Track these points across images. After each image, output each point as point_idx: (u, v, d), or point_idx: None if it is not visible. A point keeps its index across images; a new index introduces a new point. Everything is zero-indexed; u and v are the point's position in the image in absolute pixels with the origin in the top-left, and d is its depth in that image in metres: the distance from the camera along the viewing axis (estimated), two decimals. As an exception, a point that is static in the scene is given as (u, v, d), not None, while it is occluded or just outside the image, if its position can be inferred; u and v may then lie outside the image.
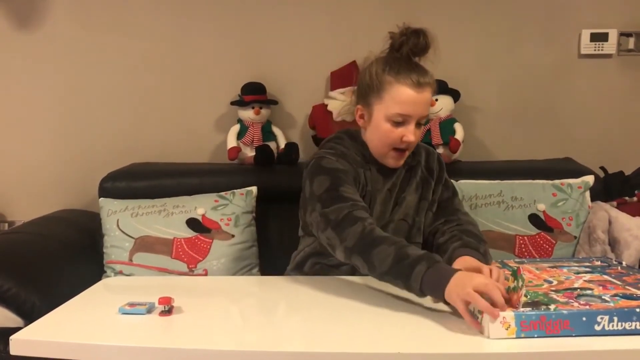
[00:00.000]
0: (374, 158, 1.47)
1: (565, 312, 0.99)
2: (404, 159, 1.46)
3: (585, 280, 1.18)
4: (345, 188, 1.34)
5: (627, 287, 1.13)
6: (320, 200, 1.34)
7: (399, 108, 1.37)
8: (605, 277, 1.20)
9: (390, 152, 1.43)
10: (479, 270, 1.17)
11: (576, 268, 1.28)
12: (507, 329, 0.99)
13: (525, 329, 0.99)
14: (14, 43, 2.30)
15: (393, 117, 1.38)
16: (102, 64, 2.31)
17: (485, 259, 1.32)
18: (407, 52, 1.40)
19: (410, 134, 1.38)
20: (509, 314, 0.99)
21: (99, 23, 2.29)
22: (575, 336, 0.99)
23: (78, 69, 2.31)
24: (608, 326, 0.99)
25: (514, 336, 0.99)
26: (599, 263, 1.33)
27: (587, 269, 1.27)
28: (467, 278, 1.09)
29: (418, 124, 1.41)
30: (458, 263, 1.27)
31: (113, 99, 2.32)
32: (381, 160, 1.46)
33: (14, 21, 2.29)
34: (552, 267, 1.30)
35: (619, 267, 1.28)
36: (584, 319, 0.99)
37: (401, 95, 1.36)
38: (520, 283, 1.03)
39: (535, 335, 0.99)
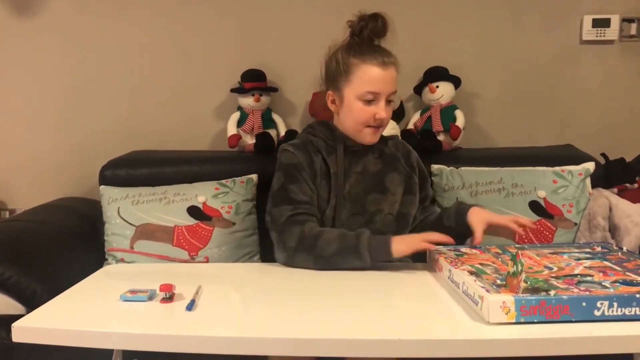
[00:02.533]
0: (342, 141, 1.53)
1: (565, 297, 0.99)
2: (378, 136, 1.54)
3: (585, 267, 1.18)
4: (293, 187, 1.45)
5: (627, 273, 1.13)
6: (272, 198, 1.48)
7: (368, 87, 1.45)
8: (606, 263, 1.20)
9: (365, 129, 1.50)
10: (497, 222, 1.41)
11: (577, 254, 1.28)
12: (507, 314, 0.99)
13: (525, 314, 0.99)
14: (13, 31, 2.29)
15: (363, 95, 1.46)
16: (102, 51, 2.30)
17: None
18: (368, 35, 1.50)
19: (381, 111, 1.46)
20: (509, 299, 1.00)
21: (98, 10, 2.28)
22: (575, 321, 0.99)
23: (77, 57, 2.30)
24: (608, 312, 0.99)
25: (514, 321, 0.99)
26: (599, 249, 1.33)
27: (588, 255, 1.27)
28: (404, 235, 1.40)
29: (388, 101, 1.48)
30: (474, 214, 1.43)
31: (113, 86, 2.32)
32: (358, 139, 1.53)
33: (13, 9, 2.28)
34: (553, 253, 1.30)
35: (619, 253, 1.29)
36: (584, 304, 0.99)
37: (369, 74, 1.45)
38: (520, 268, 1.04)
39: (535, 320, 0.99)
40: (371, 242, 1.33)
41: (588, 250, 1.32)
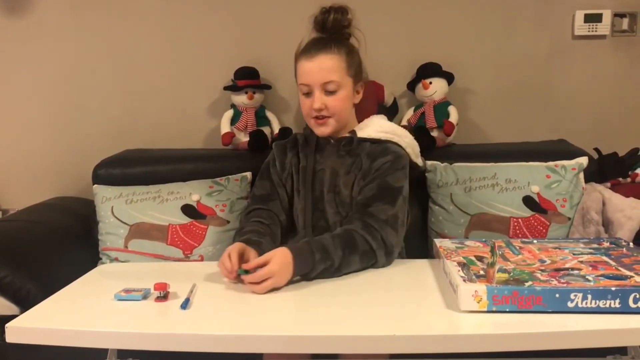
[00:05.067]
0: (316, 138, 1.58)
1: (538, 288, 1.01)
2: (327, 127, 1.53)
3: (579, 261, 1.18)
4: (257, 183, 1.62)
5: (619, 267, 1.13)
6: None
7: (300, 80, 1.53)
8: (604, 258, 1.20)
9: (311, 120, 1.54)
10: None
11: (580, 249, 1.28)
12: (478, 302, 1.01)
13: (497, 303, 1.01)
14: (5, 29, 2.27)
15: (301, 89, 1.54)
16: (95, 50, 2.29)
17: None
18: (315, 31, 1.55)
19: (315, 101, 1.50)
20: (481, 288, 1.01)
21: (91, 9, 2.27)
22: (548, 312, 1.00)
23: (70, 55, 2.29)
24: (582, 304, 1.00)
25: (485, 309, 1.01)
26: (607, 244, 1.32)
27: (590, 250, 1.26)
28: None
29: (328, 92, 1.50)
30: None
31: (106, 85, 2.31)
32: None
33: (4, 7, 2.26)
34: (556, 247, 1.30)
35: (624, 249, 1.28)
36: (557, 295, 1.00)
37: (300, 69, 1.53)
38: (495, 259, 1.06)
39: (507, 310, 1.01)
40: None
41: (595, 245, 1.32)
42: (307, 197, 1.55)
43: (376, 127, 1.57)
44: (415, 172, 1.60)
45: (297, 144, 1.63)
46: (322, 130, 1.54)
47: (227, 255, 1.27)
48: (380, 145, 1.52)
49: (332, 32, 1.54)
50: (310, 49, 1.51)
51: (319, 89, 1.49)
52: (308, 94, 1.52)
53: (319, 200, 1.54)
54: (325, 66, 1.49)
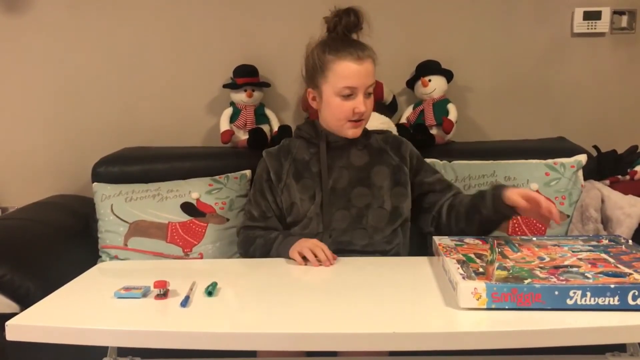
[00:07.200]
0: (325, 137, 1.56)
1: (537, 285, 1.01)
2: (360, 129, 1.55)
3: (578, 258, 1.18)
4: (253, 199, 1.60)
5: (618, 265, 1.13)
6: (247, 200, 1.66)
7: (344, 82, 1.47)
8: (603, 255, 1.20)
9: (346, 124, 1.52)
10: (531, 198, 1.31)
11: (579, 246, 1.28)
12: (478, 300, 1.01)
13: (496, 300, 1.01)
14: (3, 27, 2.27)
15: (341, 91, 1.48)
16: (94, 48, 2.29)
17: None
18: (342, 30, 1.52)
19: (360, 105, 1.48)
20: (480, 285, 1.01)
21: (89, 7, 2.27)
22: (547, 309, 1.00)
23: (68, 53, 2.29)
24: (580, 301, 1.00)
25: (485, 307, 1.01)
26: (606, 242, 1.33)
27: (589, 248, 1.26)
28: (304, 240, 1.40)
29: (367, 94, 1.50)
30: (512, 194, 1.34)
31: (105, 83, 2.30)
32: (341, 134, 1.55)
33: (2, 5, 2.26)
34: (555, 245, 1.30)
35: (623, 246, 1.28)
36: (557, 293, 1.00)
37: (344, 70, 1.47)
38: (495, 256, 1.06)
39: (506, 307, 1.01)
40: (279, 248, 1.45)
41: (594, 243, 1.32)
42: (325, 201, 1.53)
43: (375, 119, 1.66)
44: None
45: (290, 151, 1.60)
46: (355, 132, 1.54)
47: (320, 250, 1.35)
48: (385, 135, 1.64)
49: (351, 33, 1.53)
50: (356, 50, 1.47)
51: (362, 92, 1.49)
52: (348, 96, 1.48)
53: (339, 198, 1.54)
54: (370, 69, 1.49)
